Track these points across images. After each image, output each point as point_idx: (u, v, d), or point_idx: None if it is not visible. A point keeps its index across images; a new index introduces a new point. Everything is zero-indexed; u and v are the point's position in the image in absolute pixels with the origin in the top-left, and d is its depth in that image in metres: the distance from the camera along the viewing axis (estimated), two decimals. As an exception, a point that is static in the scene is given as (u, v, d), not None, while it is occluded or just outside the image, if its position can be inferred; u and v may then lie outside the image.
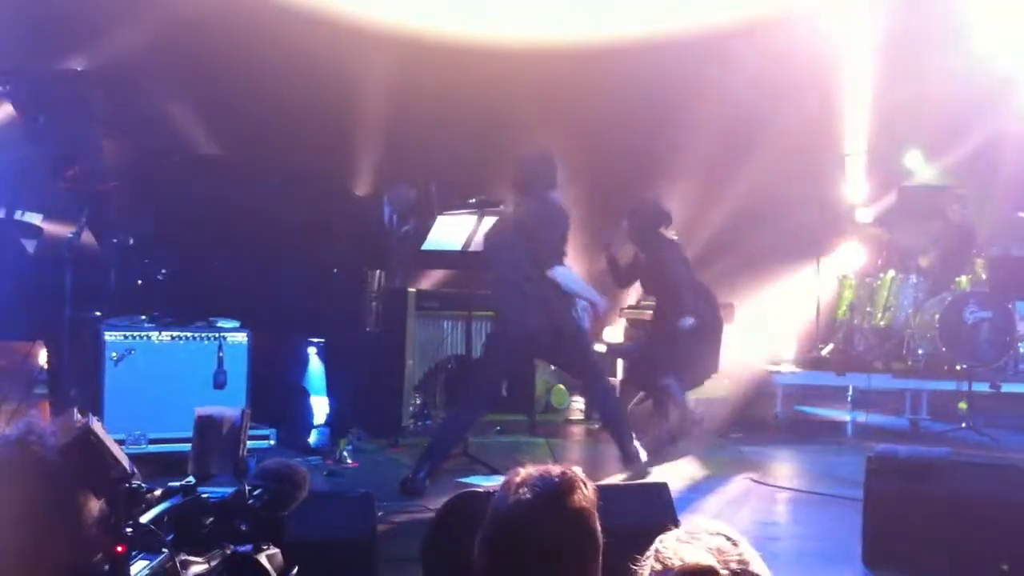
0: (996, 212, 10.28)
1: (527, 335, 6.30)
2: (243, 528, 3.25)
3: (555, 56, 9.81)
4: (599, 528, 2.19)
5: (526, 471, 2.21)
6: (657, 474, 6.33)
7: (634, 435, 6.57)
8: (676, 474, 6.78)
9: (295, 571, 3.07)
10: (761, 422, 8.80)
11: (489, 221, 6.75)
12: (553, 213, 6.36)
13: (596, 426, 8.71)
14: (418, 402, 8.16)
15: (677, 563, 1.89)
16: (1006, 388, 8.83)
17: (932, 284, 9.43)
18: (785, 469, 7.36)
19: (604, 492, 4.29)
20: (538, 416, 8.67)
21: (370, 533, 4.05)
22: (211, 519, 3.01)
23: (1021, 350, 9.14)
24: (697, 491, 6.40)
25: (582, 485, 2.19)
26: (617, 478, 6.29)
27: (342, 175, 9.18)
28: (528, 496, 2.15)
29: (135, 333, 6.31)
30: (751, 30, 10.26)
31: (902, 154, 11.33)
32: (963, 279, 9.35)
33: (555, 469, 2.20)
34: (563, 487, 2.17)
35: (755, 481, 6.70)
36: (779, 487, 6.61)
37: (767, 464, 7.38)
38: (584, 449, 8.04)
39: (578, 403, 9.37)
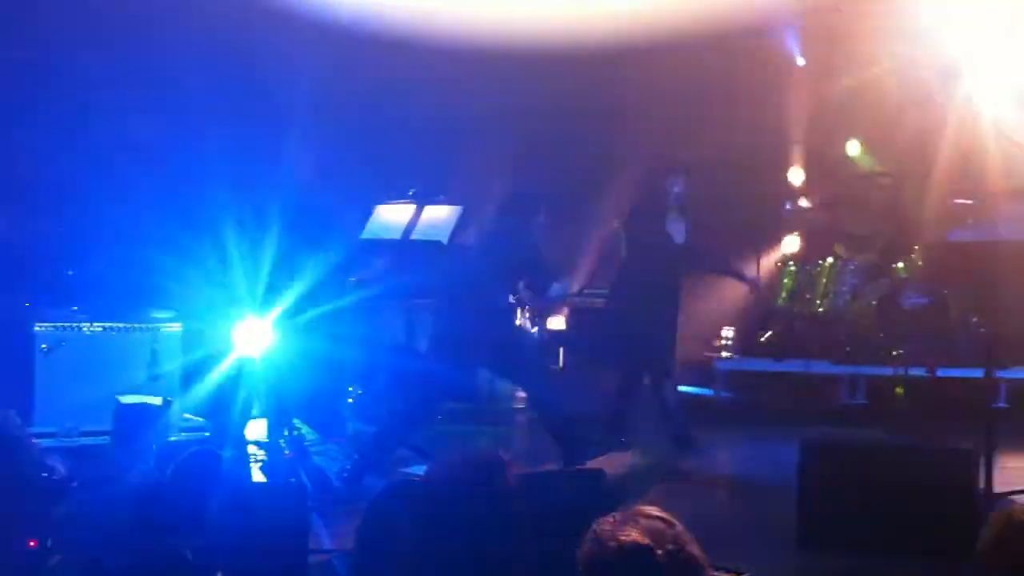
0: (935, 200, 10.43)
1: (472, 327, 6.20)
2: (172, 520, 3.21)
3: (500, 56, 9.78)
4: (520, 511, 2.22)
5: (454, 456, 2.25)
6: (597, 461, 6.33)
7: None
8: (616, 461, 6.80)
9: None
10: (702, 408, 8.86)
11: (429, 211, 6.70)
12: (527, 248, 6.27)
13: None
14: (357, 393, 8.08)
15: (614, 544, 1.92)
16: (941, 373, 8.96)
17: (870, 271, 9.57)
18: (724, 454, 7.42)
19: (543, 479, 4.34)
20: (485, 404, 8.64)
21: (302, 524, 4.01)
22: (133, 510, 2.96)
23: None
24: (637, 476, 6.43)
25: (506, 467, 2.22)
26: (556, 464, 6.28)
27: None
28: (459, 472, 2.18)
29: (66, 324, 6.18)
30: (696, 20, 10.31)
31: (843, 144, 11.47)
32: (900, 266, 9.48)
33: (485, 452, 2.24)
34: (492, 466, 2.19)
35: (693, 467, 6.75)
36: (719, 472, 6.68)
37: (707, 449, 7.42)
38: (530, 437, 8.02)
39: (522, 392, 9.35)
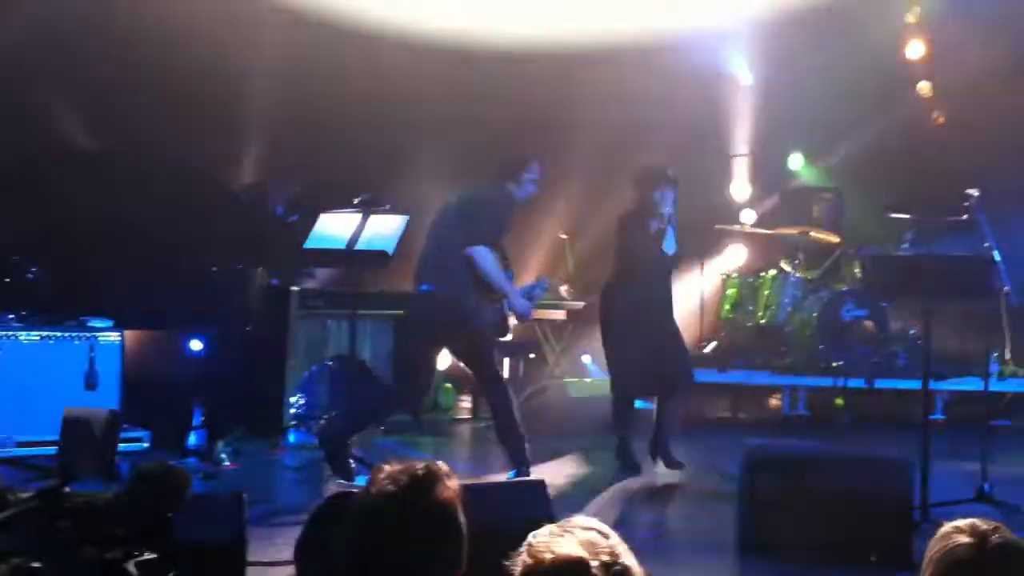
0: (875, 213, 10.59)
1: (431, 311, 6.22)
2: (116, 532, 3.14)
3: (455, 55, 9.78)
4: (463, 521, 2.21)
5: (390, 467, 2.22)
6: (539, 472, 6.33)
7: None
8: (559, 471, 6.82)
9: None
10: (645, 420, 8.87)
11: (376, 221, 6.67)
12: (498, 198, 6.30)
13: (483, 423, 8.72)
14: (301, 403, 8.01)
15: (548, 556, 1.90)
16: (880, 384, 9.08)
17: (811, 284, 9.68)
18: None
19: (481, 490, 4.33)
20: (425, 415, 8.61)
21: (239, 536, 3.95)
22: (72, 522, 2.90)
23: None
24: (578, 488, 6.43)
25: (445, 478, 2.20)
26: (501, 476, 6.28)
27: (224, 168, 8.95)
28: (391, 488, 2.16)
29: (2, 332, 6.06)
30: (642, 35, 10.39)
31: (785, 156, 11.61)
32: (841, 279, 9.60)
33: (419, 464, 2.22)
34: (426, 480, 2.17)
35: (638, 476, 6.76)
36: (660, 482, 6.71)
37: (650, 460, 7.45)
38: (471, 448, 8.01)
39: (465, 402, 9.34)
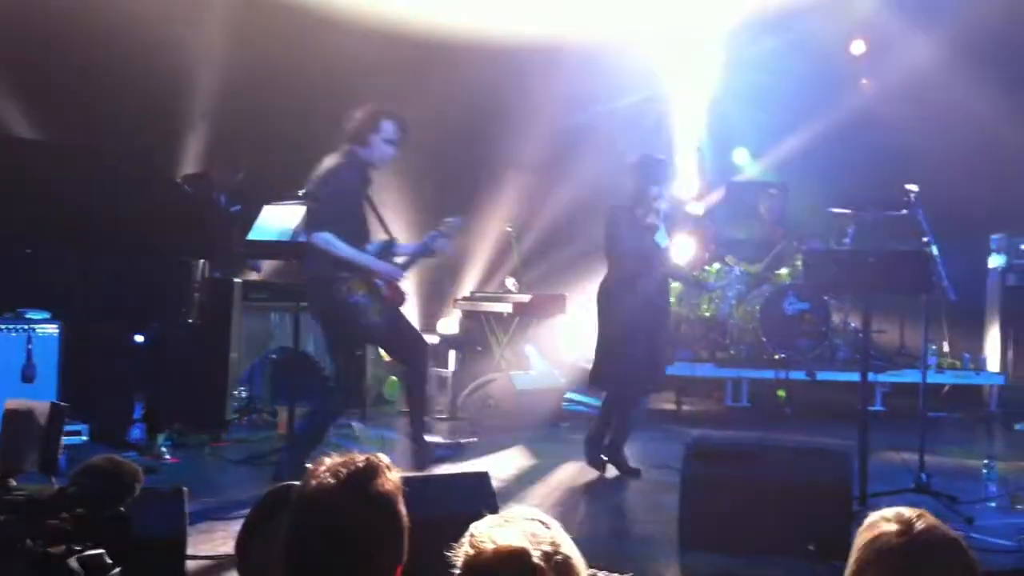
0: (818, 208, 10.74)
1: (309, 300, 6.04)
2: (61, 527, 3.09)
3: (403, 43, 9.73)
4: (404, 513, 2.20)
5: (331, 459, 2.21)
6: (484, 464, 6.34)
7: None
8: (505, 463, 6.83)
9: (117, 571, 2.93)
10: (590, 411, 8.93)
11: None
12: (336, 171, 5.79)
13: (428, 418, 8.71)
14: (243, 396, 7.95)
15: (490, 547, 1.91)
16: (821, 376, 9.21)
17: (755, 277, 9.78)
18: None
19: (425, 482, 4.32)
20: (370, 408, 8.58)
21: (179, 530, 3.91)
22: (15, 516, 2.84)
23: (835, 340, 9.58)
24: (524, 479, 6.45)
25: (386, 470, 2.20)
26: (444, 468, 6.28)
27: (166, 157, 8.82)
28: (331, 481, 2.15)
29: (-65, 324, 5.94)
30: (590, 30, 10.43)
31: (731, 151, 11.73)
32: (783, 272, 9.71)
33: (359, 456, 2.21)
34: (366, 472, 2.17)
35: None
36: (603, 474, 6.74)
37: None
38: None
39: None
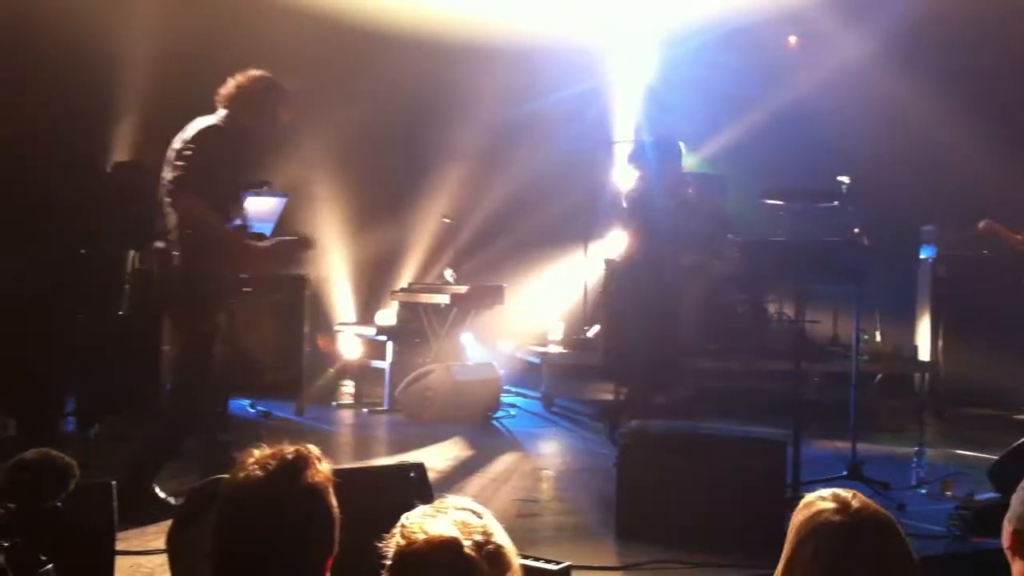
0: (753, 199, 10.84)
1: None
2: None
3: (340, 33, 9.63)
4: (335, 504, 2.19)
5: (260, 451, 2.18)
6: (420, 455, 6.32)
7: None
8: (441, 455, 6.81)
9: (50, 568, 2.87)
10: (529, 402, 8.95)
11: (258, 202, 6.51)
12: (209, 133, 5.25)
13: (366, 410, 8.66)
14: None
15: (421, 537, 1.90)
16: (757, 365, 9.29)
17: (692, 268, 9.83)
18: (549, 447, 7.52)
19: (359, 474, 4.27)
20: (306, 402, 8.49)
21: (108, 524, 3.82)
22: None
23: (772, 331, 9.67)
24: (460, 471, 6.43)
25: (316, 461, 2.18)
26: (381, 460, 6.24)
27: (96, 144, 8.64)
28: (259, 473, 2.13)
29: None
30: (528, 24, 10.43)
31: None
32: (720, 263, 9.77)
33: (289, 447, 2.19)
34: (295, 464, 2.15)
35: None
36: (543, 465, 6.76)
37: (532, 443, 7.52)
38: (353, 433, 7.93)
39: (348, 387, 9.25)
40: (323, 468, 2.20)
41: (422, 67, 10.12)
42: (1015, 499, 2.61)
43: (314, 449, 2.23)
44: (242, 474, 2.15)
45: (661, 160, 6.67)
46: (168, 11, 9.03)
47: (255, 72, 5.54)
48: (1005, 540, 2.53)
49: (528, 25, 10.48)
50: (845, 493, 2.10)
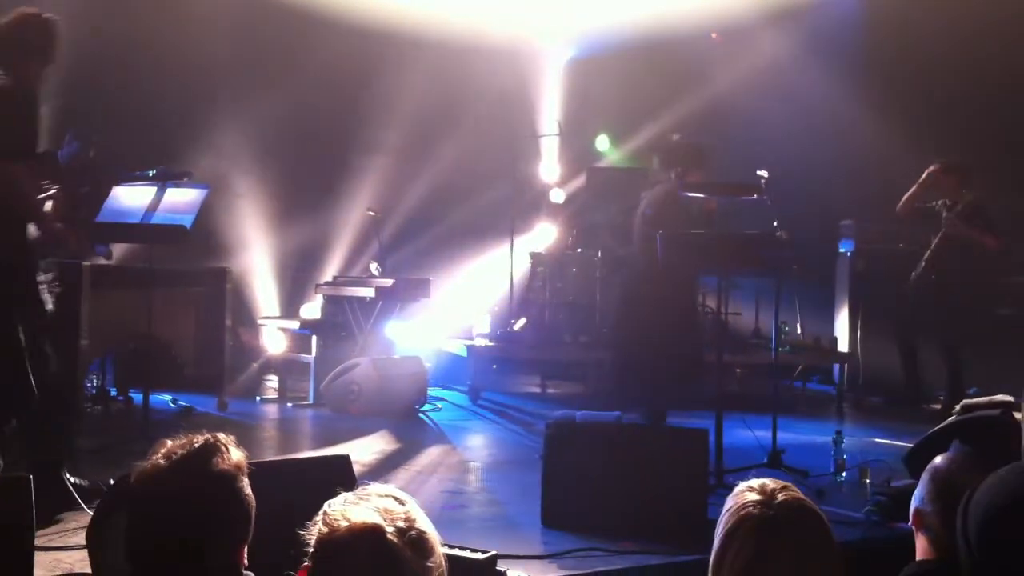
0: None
1: None
2: None
3: (262, 21, 9.51)
4: (247, 492, 2.19)
5: (172, 441, 2.19)
6: (346, 448, 6.26)
7: None
8: (367, 448, 6.77)
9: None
10: (455, 395, 8.96)
11: (173, 193, 6.40)
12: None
13: (290, 404, 8.58)
14: (95, 384, 7.67)
15: (343, 524, 1.90)
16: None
17: (619, 261, 9.91)
18: (476, 440, 7.53)
19: (284, 465, 4.23)
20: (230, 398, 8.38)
21: (26, 520, 3.74)
22: None
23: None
24: (386, 464, 6.41)
25: (225, 449, 2.18)
26: (306, 454, 6.19)
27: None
28: (168, 463, 2.14)
29: None
30: (453, 15, 10.41)
31: (592, 137, 11.87)
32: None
33: (199, 437, 2.19)
34: (204, 452, 2.15)
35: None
36: (471, 457, 6.77)
37: (459, 436, 7.52)
38: (277, 427, 7.86)
39: (272, 382, 9.16)
40: (234, 456, 2.21)
41: (346, 58, 10.05)
42: (920, 482, 2.73)
43: (225, 437, 2.23)
44: (150, 464, 2.16)
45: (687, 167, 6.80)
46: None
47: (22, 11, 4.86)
48: (911, 519, 2.64)
49: (453, 18, 10.47)
50: (774, 484, 2.16)
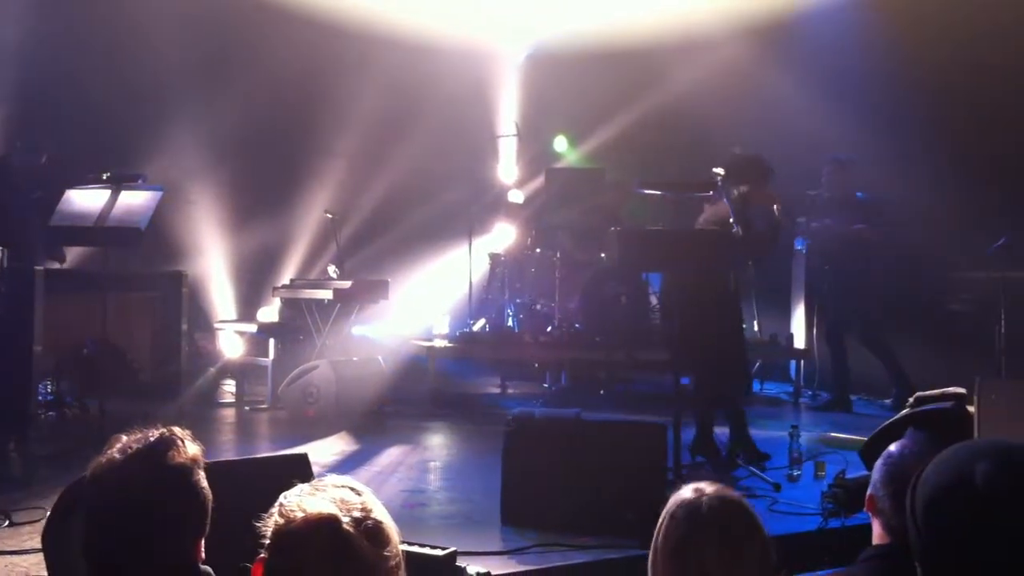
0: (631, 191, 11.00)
1: None
2: None
3: (216, 24, 9.45)
4: (203, 485, 2.18)
5: (126, 436, 2.18)
6: (305, 450, 6.22)
7: None
8: (327, 450, 6.75)
9: None
10: (414, 396, 8.94)
11: (127, 196, 6.35)
12: None
13: (248, 408, 8.53)
14: (49, 390, 7.57)
15: (299, 515, 1.89)
16: (639, 356, 9.44)
17: (577, 261, 9.94)
18: (436, 439, 7.53)
19: (242, 465, 4.21)
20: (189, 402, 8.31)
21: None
22: None
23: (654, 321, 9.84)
24: (346, 464, 6.39)
25: (180, 442, 2.17)
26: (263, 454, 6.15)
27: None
28: (121, 457, 2.13)
29: None
30: (411, 16, 10.40)
31: (550, 138, 11.90)
32: (604, 256, 9.90)
33: (155, 431, 2.18)
34: (158, 446, 2.15)
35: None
36: (430, 456, 6.77)
37: (419, 436, 7.51)
38: (235, 431, 7.81)
39: (229, 386, 9.09)
40: (190, 449, 2.20)
41: (302, 60, 10.01)
42: (875, 468, 2.78)
43: (181, 431, 2.23)
44: (105, 459, 2.15)
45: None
46: (37, 4, 8.75)
47: None
48: (866, 505, 2.70)
49: (409, 18, 10.47)
50: (707, 485, 2.24)
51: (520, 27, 11.50)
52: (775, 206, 6.47)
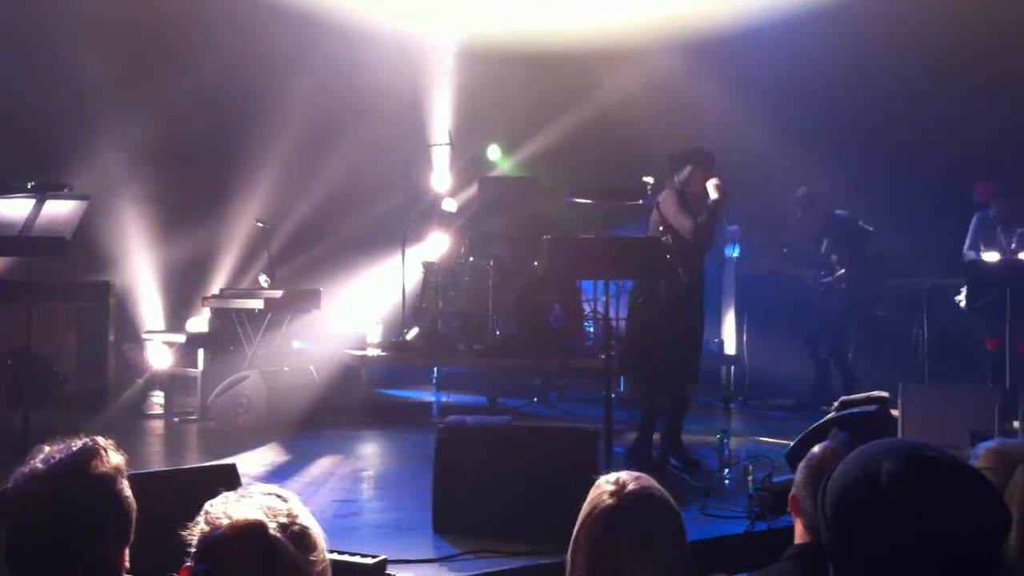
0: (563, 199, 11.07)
1: None
2: None
3: (143, 27, 9.33)
4: (127, 495, 2.18)
5: (49, 446, 2.17)
6: (235, 460, 6.16)
7: None
8: (257, 461, 6.69)
9: None
10: (347, 406, 8.89)
11: (52, 205, 6.24)
12: None
13: (176, 419, 8.42)
14: None
15: (225, 522, 1.89)
16: (574, 362, 9.50)
17: (510, 270, 9.96)
18: (369, 449, 7.50)
19: (168, 476, 4.16)
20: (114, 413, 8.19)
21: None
22: None
23: (588, 328, 9.92)
24: (277, 475, 6.34)
25: (103, 452, 2.16)
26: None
27: None
28: (42, 467, 2.13)
29: None
30: (345, 21, 10.36)
31: (484, 147, 11.93)
32: (539, 263, 9.93)
33: (77, 440, 2.17)
34: (81, 456, 2.14)
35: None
36: (362, 465, 6.75)
37: (351, 446, 7.48)
38: (163, 443, 7.70)
39: (158, 397, 8.96)
40: (113, 458, 2.19)
41: (234, 65, 9.92)
42: (797, 470, 2.85)
43: (104, 440, 2.21)
44: (27, 469, 2.14)
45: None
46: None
47: None
48: (788, 505, 2.75)
49: (344, 25, 10.43)
50: (627, 476, 2.27)
51: (450, 15, 11.46)
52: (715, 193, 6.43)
